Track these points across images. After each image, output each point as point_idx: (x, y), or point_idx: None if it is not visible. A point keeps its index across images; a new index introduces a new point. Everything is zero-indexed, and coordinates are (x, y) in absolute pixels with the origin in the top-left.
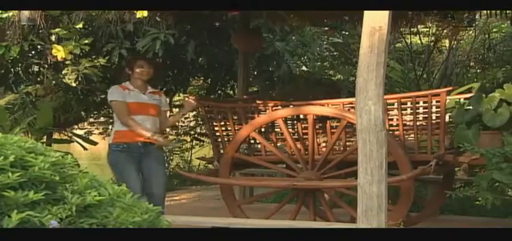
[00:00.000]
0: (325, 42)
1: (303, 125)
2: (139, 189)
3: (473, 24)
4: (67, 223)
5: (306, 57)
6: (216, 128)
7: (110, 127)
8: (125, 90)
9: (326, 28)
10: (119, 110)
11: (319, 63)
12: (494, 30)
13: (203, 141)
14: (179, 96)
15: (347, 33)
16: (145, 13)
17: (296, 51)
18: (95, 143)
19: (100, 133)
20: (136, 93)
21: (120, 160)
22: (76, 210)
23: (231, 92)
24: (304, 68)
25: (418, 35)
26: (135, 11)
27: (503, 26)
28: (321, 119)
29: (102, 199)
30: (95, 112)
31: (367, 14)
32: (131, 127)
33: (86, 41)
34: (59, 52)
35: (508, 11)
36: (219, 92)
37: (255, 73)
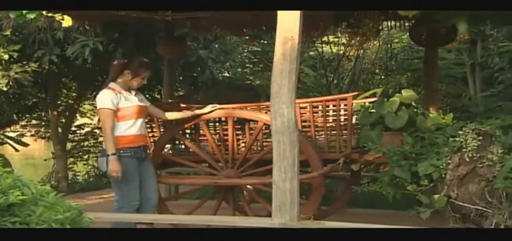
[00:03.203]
0: (245, 51)
1: (223, 127)
2: (138, 199)
3: (378, 36)
4: None
5: (227, 64)
6: None
7: (42, 129)
8: (117, 95)
9: (247, 37)
10: (106, 119)
11: (240, 70)
12: (396, 40)
13: None
14: None
15: (265, 41)
16: (70, 22)
17: (218, 58)
18: (26, 144)
19: (32, 135)
20: (128, 95)
21: (129, 168)
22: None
23: (158, 96)
24: (226, 74)
25: (329, 45)
26: (62, 20)
27: (403, 37)
28: (241, 121)
29: (26, 199)
30: (27, 115)
31: (280, 24)
32: (108, 139)
33: (14, 48)
34: None
35: (407, 23)
36: (147, 96)
37: (181, 78)
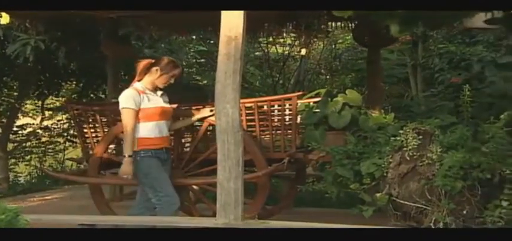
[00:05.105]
0: (191, 50)
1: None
2: (174, 192)
3: (324, 35)
4: None
5: None
6: (85, 130)
7: None
8: (141, 95)
9: (194, 37)
10: (128, 119)
11: (186, 70)
12: (340, 41)
13: (76, 143)
14: (52, 99)
15: (212, 41)
16: (8, 19)
17: None
18: None
19: None
20: (153, 95)
21: (153, 167)
22: None
23: (103, 96)
24: None
25: (275, 45)
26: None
27: (347, 37)
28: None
29: None
30: None
31: (223, 24)
32: (127, 140)
33: None
34: None
35: (350, 24)
36: (92, 95)
37: (126, 77)
